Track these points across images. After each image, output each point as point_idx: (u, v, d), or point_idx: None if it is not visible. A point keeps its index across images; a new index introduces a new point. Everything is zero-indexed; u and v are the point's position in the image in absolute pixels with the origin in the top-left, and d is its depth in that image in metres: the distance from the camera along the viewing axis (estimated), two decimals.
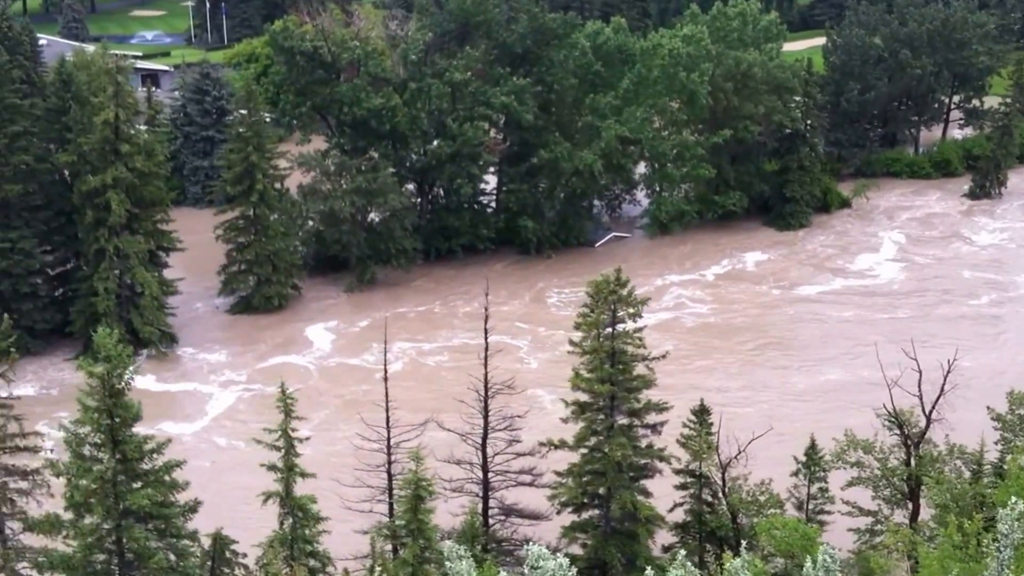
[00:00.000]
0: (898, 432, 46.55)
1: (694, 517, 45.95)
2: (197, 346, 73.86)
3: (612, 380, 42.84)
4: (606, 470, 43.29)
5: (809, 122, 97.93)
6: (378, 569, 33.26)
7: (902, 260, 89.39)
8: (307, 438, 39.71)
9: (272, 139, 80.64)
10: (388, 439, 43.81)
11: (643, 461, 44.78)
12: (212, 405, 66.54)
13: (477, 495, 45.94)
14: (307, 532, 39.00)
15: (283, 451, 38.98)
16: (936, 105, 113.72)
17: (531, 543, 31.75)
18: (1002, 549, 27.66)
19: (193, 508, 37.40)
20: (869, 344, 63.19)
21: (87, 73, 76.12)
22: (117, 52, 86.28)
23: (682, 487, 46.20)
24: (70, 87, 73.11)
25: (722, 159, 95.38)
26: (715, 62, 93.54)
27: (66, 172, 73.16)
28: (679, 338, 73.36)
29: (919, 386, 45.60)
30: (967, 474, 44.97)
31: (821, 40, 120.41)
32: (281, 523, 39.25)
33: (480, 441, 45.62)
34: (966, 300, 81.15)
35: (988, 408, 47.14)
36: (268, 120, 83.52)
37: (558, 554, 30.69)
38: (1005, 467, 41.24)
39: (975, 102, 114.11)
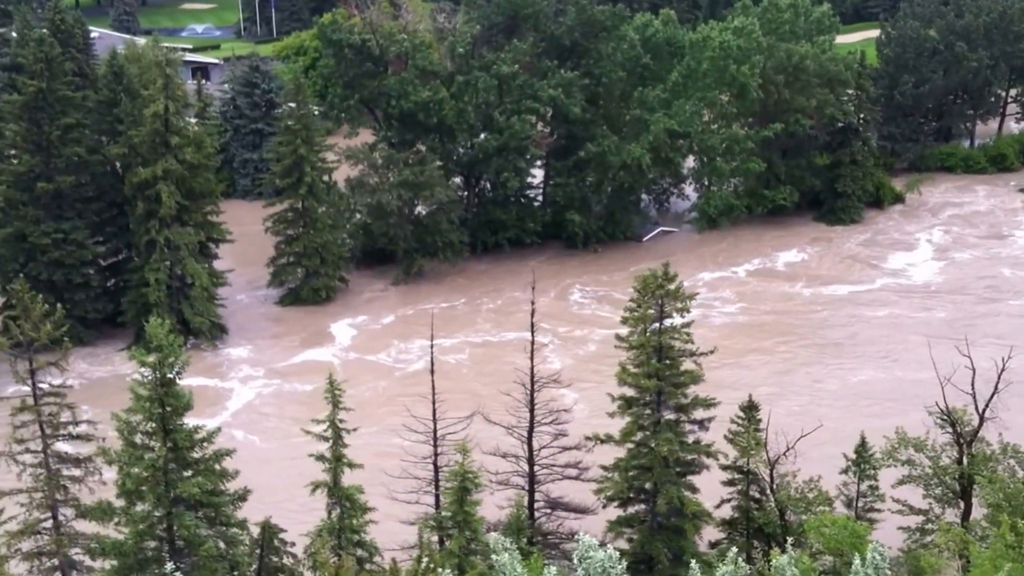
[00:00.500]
0: (950, 430, 45.86)
1: (741, 513, 45.61)
2: (245, 336, 74.53)
3: (659, 375, 42.60)
4: (652, 465, 43.07)
5: (862, 116, 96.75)
6: (425, 559, 33.35)
7: (942, 258, 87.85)
8: (355, 429, 39.85)
9: (320, 132, 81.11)
10: (435, 431, 43.90)
11: (690, 457, 44.48)
12: (251, 395, 67.14)
13: (523, 488, 45.91)
14: (354, 522, 39.21)
15: (331, 441, 39.20)
16: (992, 98, 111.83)
17: (580, 535, 31.73)
18: None
19: (242, 497, 37.77)
20: (915, 343, 62.40)
21: (138, 66, 77.16)
22: (167, 45, 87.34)
23: (729, 483, 45.85)
24: (121, 80, 74.08)
25: (772, 153, 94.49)
26: (766, 55, 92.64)
27: (117, 164, 74.16)
28: (722, 335, 72.75)
29: (972, 384, 44.87)
30: (1021, 473, 44.17)
31: (875, 32, 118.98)
32: (329, 513, 39.51)
33: (526, 434, 45.58)
34: (1007, 299, 79.58)
35: None
36: (316, 113, 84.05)
37: (607, 547, 30.64)
38: None
39: None
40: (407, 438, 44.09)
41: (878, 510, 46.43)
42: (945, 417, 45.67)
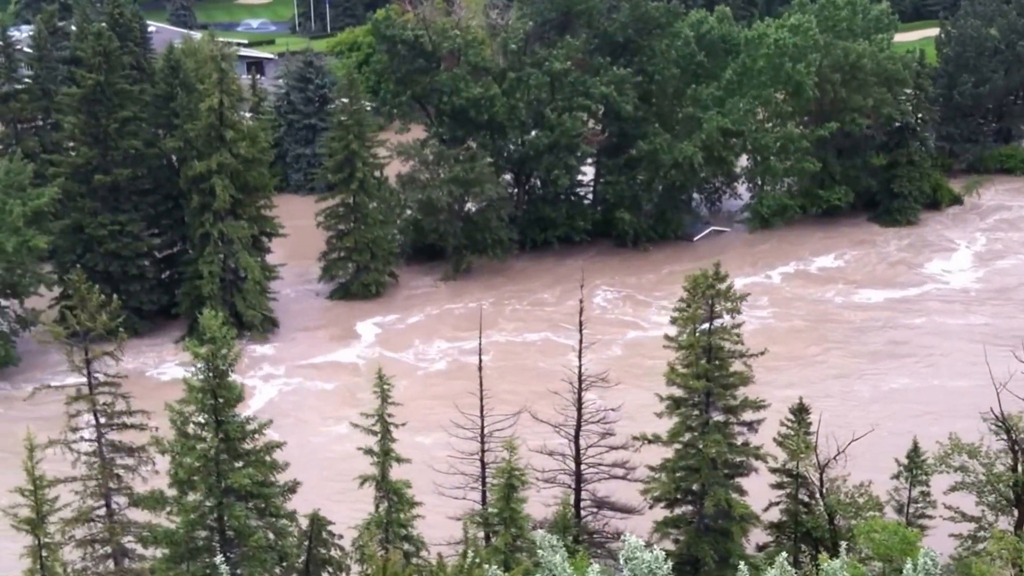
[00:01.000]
0: (1005, 437, 45.05)
1: (790, 517, 45.19)
2: (298, 329, 75.24)
3: (708, 376, 42.32)
4: (700, 466, 42.81)
5: (920, 115, 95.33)
6: (471, 555, 33.43)
7: (984, 264, 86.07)
8: (403, 424, 40.02)
9: (372, 128, 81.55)
10: (482, 428, 43.99)
11: (738, 459, 44.15)
12: (293, 387, 67.78)
13: (569, 486, 45.87)
14: (402, 516, 39.39)
15: (379, 436, 39.41)
16: None
17: (626, 535, 31.59)
18: None
19: (292, 488, 38.07)
20: (970, 349, 61.19)
21: (194, 60, 78.11)
22: (223, 40, 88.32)
23: (778, 486, 45.43)
24: (178, 74, 75.05)
25: (828, 153, 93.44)
26: (823, 53, 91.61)
27: (173, 157, 75.14)
28: (774, 337, 72.06)
29: None
30: None
31: (934, 31, 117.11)
32: (377, 506, 39.73)
33: (573, 433, 45.53)
34: None
35: None
36: (369, 109, 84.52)
37: (653, 547, 30.46)
38: None
39: None
40: (454, 434, 44.24)
41: (930, 516, 45.78)
42: (1000, 424, 44.87)
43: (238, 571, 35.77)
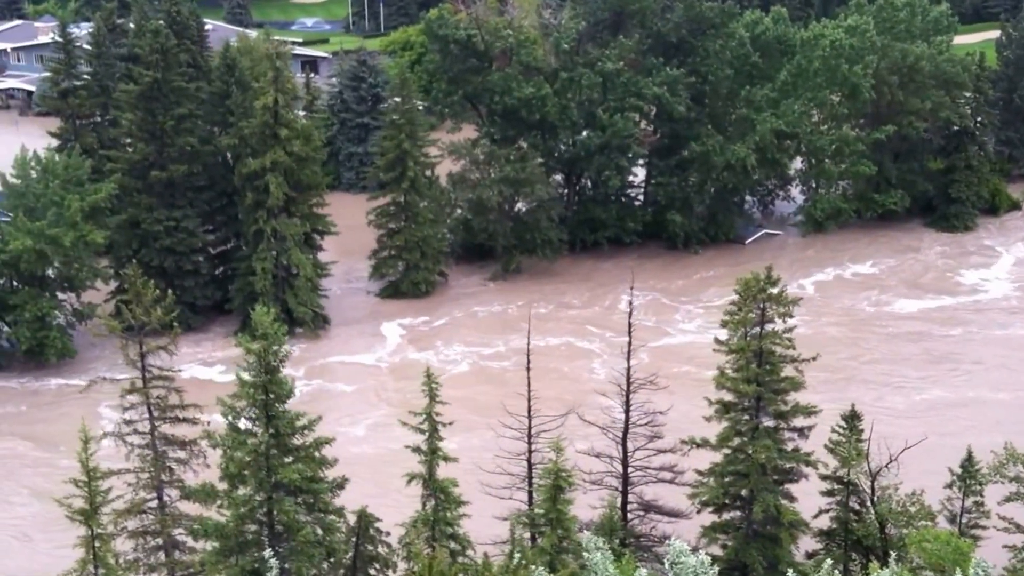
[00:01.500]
0: None
1: (840, 525, 44.65)
2: (347, 325, 75.80)
3: (758, 380, 41.93)
4: (749, 472, 42.42)
5: (979, 119, 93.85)
6: (517, 555, 33.38)
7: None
8: (451, 423, 40.09)
9: (424, 127, 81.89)
10: (529, 428, 43.95)
11: (788, 465, 43.70)
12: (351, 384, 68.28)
13: (616, 489, 45.67)
14: (448, 515, 39.46)
15: (427, 434, 39.50)
16: None
17: (673, 539, 31.41)
18: None
19: (340, 484, 38.23)
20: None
21: (249, 58, 78.91)
22: (278, 38, 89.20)
23: (829, 493, 44.92)
24: (233, 72, 75.87)
25: (884, 156, 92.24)
26: (880, 54, 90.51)
27: (228, 154, 75.95)
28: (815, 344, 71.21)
29: None
30: None
31: (995, 33, 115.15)
32: (424, 504, 39.84)
33: (620, 435, 45.33)
34: None
35: None
36: (421, 108, 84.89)
37: (699, 552, 30.28)
38: None
39: None
40: (501, 434, 44.26)
41: (983, 527, 44.98)
42: None
43: (286, 565, 36.04)
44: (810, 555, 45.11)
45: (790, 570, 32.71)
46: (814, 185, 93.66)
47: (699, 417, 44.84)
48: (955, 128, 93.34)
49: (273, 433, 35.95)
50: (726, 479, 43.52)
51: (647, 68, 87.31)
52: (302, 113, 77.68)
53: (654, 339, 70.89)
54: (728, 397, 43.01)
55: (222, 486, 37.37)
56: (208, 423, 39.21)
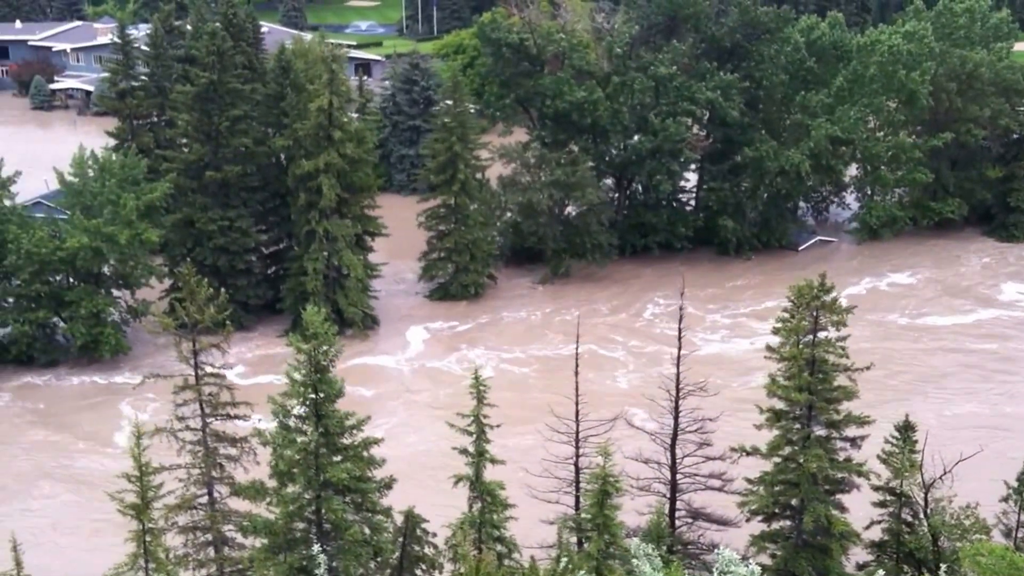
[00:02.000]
0: None
1: (892, 536, 43.97)
2: (394, 325, 76.11)
3: (810, 389, 41.41)
4: (800, 481, 41.90)
5: None
6: (564, 560, 33.25)
7: None
8: (499, 425, 40.02)
9: (475, 130, 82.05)
10: (576, 432, 43.78)
11: (840, 474, 43.10)
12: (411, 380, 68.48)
13: (664, 495, 45.33)
14: (495, 517, 39.40)
15: (475, 436, 39.48)
16: None
17: (721, 547, 31.10)
18: None
19: (388, 484, 38.29)
20: None
21: (304, 61, 79.49)
22: (333, 41, 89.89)
23: (881, 504, 44.27)
24: (288, 74, 76.56)
25: (941, 163, 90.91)
26: (938, 61, 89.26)
27: (282, 155, 76.65)
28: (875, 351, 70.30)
29: None
30: None
31: None
32: (470, 506, 39.82)
33: (669, 441, 45.00)
34: None
35: None
36: (472, 111, 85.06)
37: (748, 561, 29.94)
38: None
39: None
40: (549, 437, 44.13)
41: None
42: None
43: (334, 564, 36.20)
44: (861, 567, 44.52)
45: None
46: (869, 192, 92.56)
47: (729, 427, 44.41)
48: (1015, 136, 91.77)
49: (322, 432, 36.13)
50: (776, 488, 43.02)
51: (700, 72, 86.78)
52: (355, 115, 78.17)
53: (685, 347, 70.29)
54: (779, 405, 42.53)
55: (271, 483, 37.60)
56: (259, 421, 39.47)
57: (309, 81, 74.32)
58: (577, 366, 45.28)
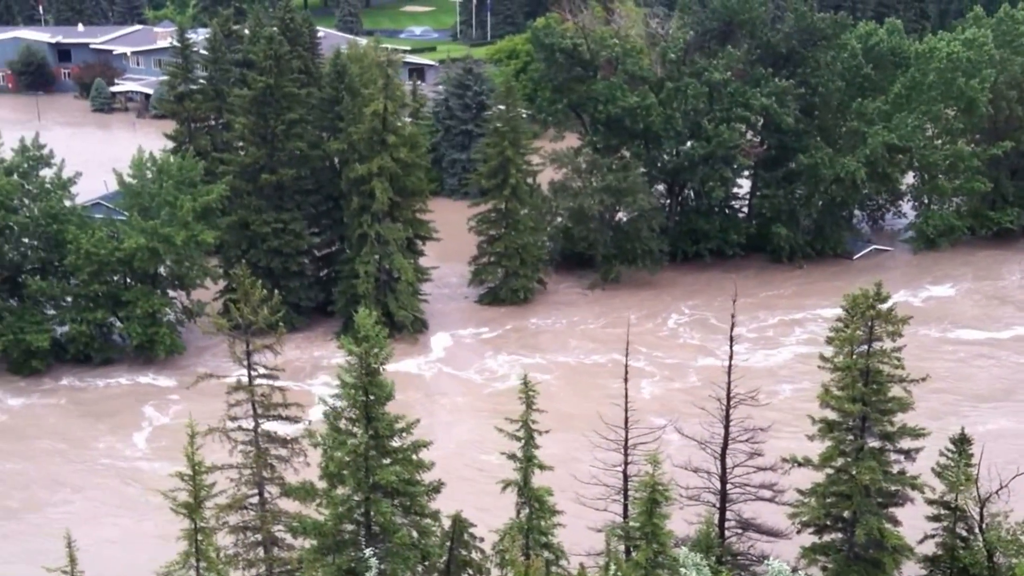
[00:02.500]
0: None
1: (946, 551, 43.21)
2: (442, 329, 76.32)
3: (864, 400, 40.84)
4: (852, 493, 41.34)
5: None
6: (613, 568, 33.07)
7: None
8: (547, 431, 39.97)
9: (527, 135, 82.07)
10: (626, 440, 43.59)
11: (893, 487, 42.45)
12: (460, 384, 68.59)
13: (714, 505, 44.97)
14: (543, 523, 39.33)
15: (523, 441, 39.46)
16: None
17: (771, 559, 30.77)
18: None
19: (436, 488, 38.37)
20: None
21: (359, 65, 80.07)
22: (387, 46, 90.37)
23: (935, 518, 43.53)
24: (343, 78, 77.14)
25: (1000, 172, 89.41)
26: (998, 68, 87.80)
27: (336, 159, 77.24)
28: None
29: None
30: None
31: None
32: (518, 512, 39.77)
33: (719, 451, 44.63)
34: None
35: None
36: (525, 116, 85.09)
37: (799, 573, 29.59)
38: None
39: None
40: (598, 444, 43.99)
41: None
42: None
43: (382, 567, 36.33)
44: None
45: None
46: (926, 201, 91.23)
47: (774, 437, 43.91)
48: None
49: (372, 434, 36.30)
50: (828, 500, 42.49)
51: (755, 78, 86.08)
52: (408, 120, 78.59)
53: (707, 358, 69.65)
54: (832, 416, 42.00)
55: (321, 485, 37.82)
56: (310, 422, 39.74)
57: (364, 86, 74.86)
58: (627, 373, 45.12)
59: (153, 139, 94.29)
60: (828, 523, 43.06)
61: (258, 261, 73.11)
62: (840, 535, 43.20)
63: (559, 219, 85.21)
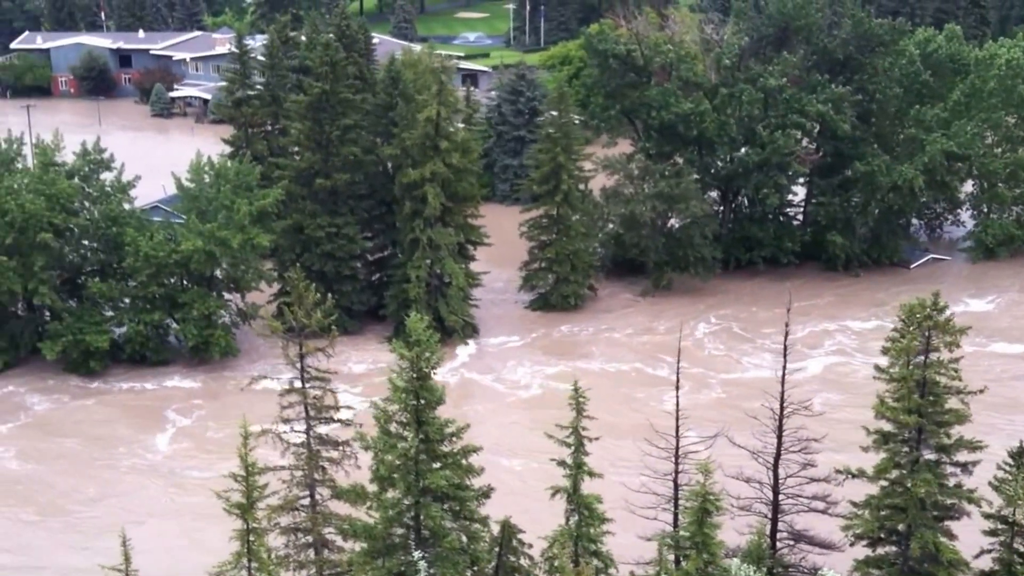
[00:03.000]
0: None
1: (1003, 567, 42.32)
2: (492, 334, 76.41)
3: (920, 411, 40.23)
4: (907, 506, 40.69)
5: None
6: None
7: None
8: (597, 438, 39.84)
9: (580, 141, 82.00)
10: (676, 448, 43.33)
11: (949, 501, 41.73)
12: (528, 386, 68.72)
13: (765, 516, 44.51)
14: (592, 531, 39.20)
15: (573, 448, 39.37)
16: None
17: (824, 571, 30.41)
18: None
19: (486, 493, 38.34)
20: None
21: (413, 71, 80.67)
22: (441, 52, 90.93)
23: (992, 533, 42.68)
24: (397, 84, 77.70)
25: None
26: None
27: (389, 164, 77.78)
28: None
29: None
30: None
31: None
32: (567, 519, 39.68)
33: (772, 461, 44.19)
34: None
35: None
36: (577, 122, 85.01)
37: None
38: None
39: None
40: (648, 452, 43.76)
41: None
42: None
43: (431, 571, 36.42)
44: None
45: None
46: (985, 210, 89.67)
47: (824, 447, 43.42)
48: None
49: (423, 438, 36.40)
50: (882, 512, 41.86)
51: (811, 85, 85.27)
52: (461, 126, 78.93)
53: (730, 369, 68.74)
54: (887, 427, 41.42)
55: (372, 488, 37.99)
56: (361, 425, 39.98)
57: (418, 91, 75.34)
58: (678, 380, 44.87)
59: (211, 144, 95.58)
60: (882, 536, 42.43)
61: (312, 265, 73.78)
62: (894, 548, 42.55)
63: (611, 225, 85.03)
